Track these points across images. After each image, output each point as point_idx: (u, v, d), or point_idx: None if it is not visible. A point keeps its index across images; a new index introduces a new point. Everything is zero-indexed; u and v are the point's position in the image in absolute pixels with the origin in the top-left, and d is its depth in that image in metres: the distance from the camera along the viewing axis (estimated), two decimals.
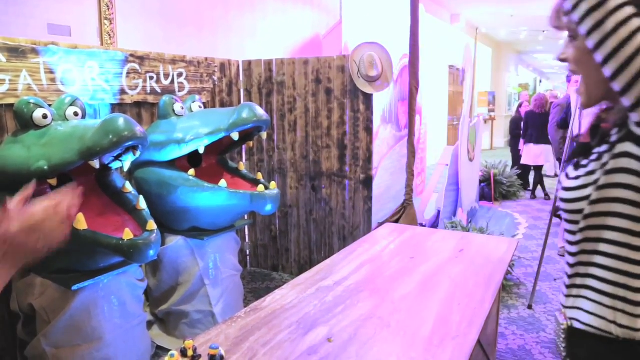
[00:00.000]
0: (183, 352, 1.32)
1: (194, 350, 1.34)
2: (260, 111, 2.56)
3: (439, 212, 4.99)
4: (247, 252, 4.11)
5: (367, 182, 3.54)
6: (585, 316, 0.94)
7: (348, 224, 3.63)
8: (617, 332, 0.89)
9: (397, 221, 3.55)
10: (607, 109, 0.99)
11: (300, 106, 3.68)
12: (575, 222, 0.94)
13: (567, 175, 1.00)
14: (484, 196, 6.85)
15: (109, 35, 3.18)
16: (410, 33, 3.59)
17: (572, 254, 0.97)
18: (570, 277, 0.98)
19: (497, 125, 14.73)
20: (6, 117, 2.36)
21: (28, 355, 2.21)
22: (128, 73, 2.92)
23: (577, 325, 0.95)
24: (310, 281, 1.90)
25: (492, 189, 6.78)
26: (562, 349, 1.03)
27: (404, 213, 3.64)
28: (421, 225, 4.34)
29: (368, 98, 3.45)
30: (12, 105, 2.26)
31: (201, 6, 3.94)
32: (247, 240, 4.10)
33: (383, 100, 4.33)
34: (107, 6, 3.17)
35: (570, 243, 0.97)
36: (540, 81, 24.39)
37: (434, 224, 4.76)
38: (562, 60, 0.99)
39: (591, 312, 0.92)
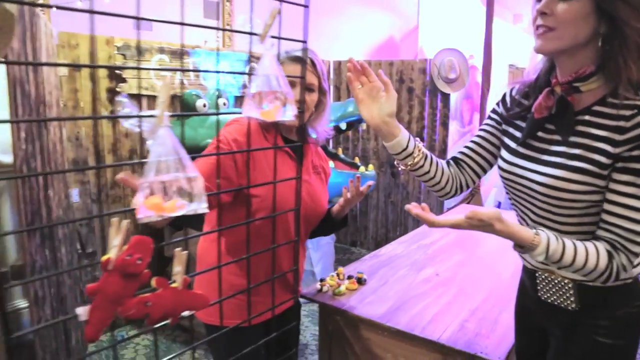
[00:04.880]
0: (338, 275, 1.89)
1: (344, 274, 1.91)
2: None
3: (499, 204, 5.42)
4: None
5: None
6: None
7: None
8: None
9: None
10: (568, 83, 1.01)
11: None
12: None
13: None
14: None
15: (229, 37, 3.82)
16: (484, 42, 4.05)
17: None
18: None
19: None
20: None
21: None
22: (250, 68, 3.55)
23: None
24: (410, 241, 2.45)
25: None
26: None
27: (472, 199, 4.12)
28: None
29: (446, 97, 3.94)
30: (171, 96, 2.92)
31: (296, 12, 4.54)
32: None
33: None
34: (229, 14, 3.80)
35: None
36: None
37: None
38: (543, 14, 0.97)
39: None
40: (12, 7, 1.51)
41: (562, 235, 1.01)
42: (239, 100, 3.51)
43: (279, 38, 0.99)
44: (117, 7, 2.87)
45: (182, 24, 0.85)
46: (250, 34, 0.94)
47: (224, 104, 2.89)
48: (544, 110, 1.05)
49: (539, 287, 1.16)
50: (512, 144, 1.15)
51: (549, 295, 1.14)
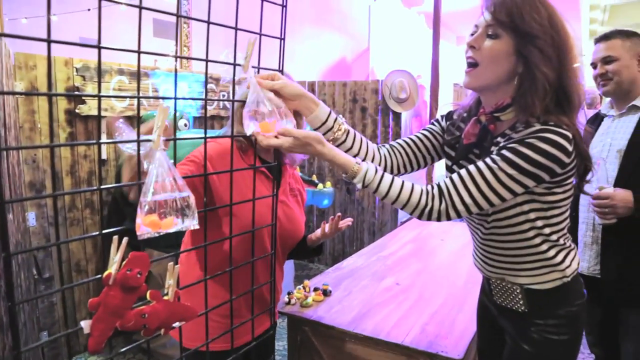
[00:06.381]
0: (304, 288, 1.97)
1: (310, 287, 1.99)
2: None
3: None
4: None
5: None
6: None
7: (377, 221, 4.30)
8: None
9: None
10: (490, 113, 1.15)
11: None
12: None
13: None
14: None
15: (186, 60, 3.85)
16: (432, 62, 4.28)
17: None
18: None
19: None
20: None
21: None
22: (207, 92, 3.60)
23: None
24: (370, 253, 2.57)
25: None
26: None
27: None
28: None
29: (397, 116, 4.14)
30: (129, 117, 2.92)
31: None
32: None
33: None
34: (186, 35, 3.85)
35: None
36: None
37: None
38: (471, 47, 1.11)
39: None
40: None
41: (503, 245, 1.19)
42: (197, 120, 3.55)
43: (259, 68, 1.09)
44: (67, 24, 2.87)
45: (144, 51, 0.92)
46: (234, 64, 1.03)
47: (185, 125, 2.93)
48: (471, 137, 1.18)
49: (493, 292, 1.29)
50: (450, 164, 1.28)
51: (502, 299, 1.26)
